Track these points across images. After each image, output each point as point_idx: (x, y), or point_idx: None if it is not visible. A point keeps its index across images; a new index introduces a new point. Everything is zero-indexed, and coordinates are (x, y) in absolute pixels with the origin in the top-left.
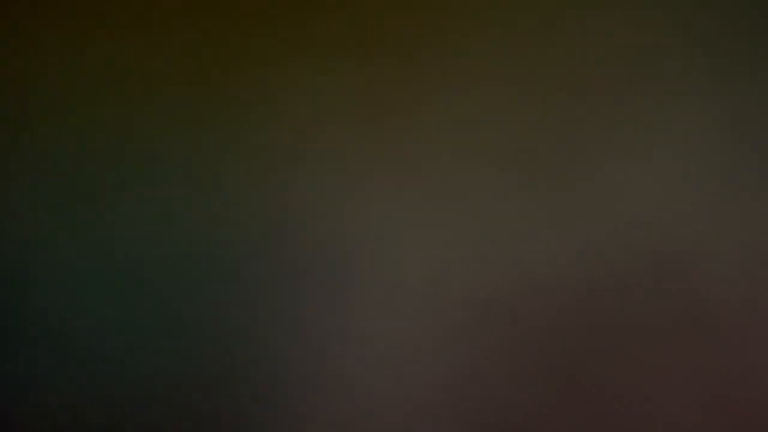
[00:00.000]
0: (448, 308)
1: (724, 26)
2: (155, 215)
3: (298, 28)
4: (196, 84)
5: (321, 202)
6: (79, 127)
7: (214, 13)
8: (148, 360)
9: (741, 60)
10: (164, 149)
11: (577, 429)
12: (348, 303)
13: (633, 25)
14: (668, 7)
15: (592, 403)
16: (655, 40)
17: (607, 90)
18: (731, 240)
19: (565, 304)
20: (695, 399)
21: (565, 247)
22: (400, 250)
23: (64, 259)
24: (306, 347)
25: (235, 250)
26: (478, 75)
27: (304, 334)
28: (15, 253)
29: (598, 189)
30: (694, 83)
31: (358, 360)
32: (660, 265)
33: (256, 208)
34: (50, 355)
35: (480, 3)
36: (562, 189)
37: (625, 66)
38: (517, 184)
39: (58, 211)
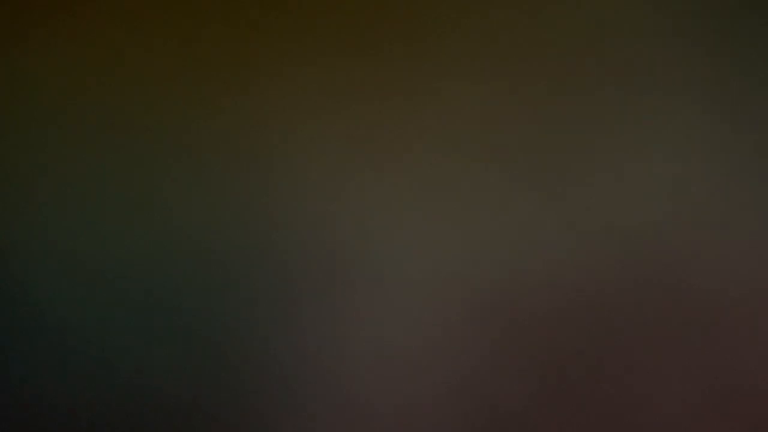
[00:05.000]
0: (447, 308)
1: (724, 25)
2: (150, 217)
3: (289, 23)
4: (187, 84)
5: (318, 202)
6: (77, 128)
7: (202, 9)
8: (144, 362)
9: (741, 59)
10: (159, 150)
11: (578, 428)
12: (346, 303)
13: (633, 24)
14: (667, 6)
15: (593, 402)
16: (656, 39)
17: (607, 89)
18: (732, 240)
19: (566, 304)
20: (695, 398)
21: (565, 246)
22: (397, 251)
23: (62, 260)
24: (303, 348)
25: (232, 251)
26: (475, 72)
27: (300, 334)
28: (15, 253)
29: (598, 188)
30: (695, 83)
31: (355, 360)
32: (660, 264)
33: (252, 209)
34: (48, 356)
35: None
36: (562, 188)
37: (626, 65)
38: (516, 183)
39: (57, 211)
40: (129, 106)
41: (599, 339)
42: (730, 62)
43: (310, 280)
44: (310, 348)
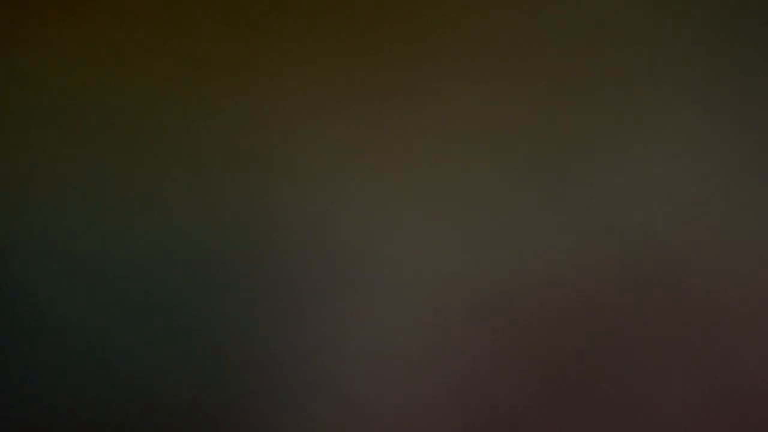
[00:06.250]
0: (447, 308)
1: (724, 25)
2: (150, 217)
3: (289, 23)
4: (187, 84)
5: (318, 202)
6: (77, 128)
7: (202, 9)
8: (144, 362)
9: (741, 59)
10: (159, 150)
11: (578, 428)
12: (346, 303)
13: (633, 24)
14: (667, 6)
15: (593, 402)
16: (656, 39)
17: (607, 89)
18: (732, 240)
19: (566, 304)
20: (695, 398)
21: (565, 246)
22: (397, 251)
23: (62, 260)
24: (303, 348)
25: (232, 251)
26: (475, 72)
27: (300, 334)
28: (15, 253)
29: (598, 188)
30: (695, 83)
31: (355, 360)
32: (660, 264)
33: (252, 209)
34: (48, 356)
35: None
36: (562, 188)
37: (626, 65)
38: (516, 183)
39: (57, 211)
40: (129, 106)
41: (599, 339)
42: (730, 62)
43: (310, 280)
44: (310, 348)
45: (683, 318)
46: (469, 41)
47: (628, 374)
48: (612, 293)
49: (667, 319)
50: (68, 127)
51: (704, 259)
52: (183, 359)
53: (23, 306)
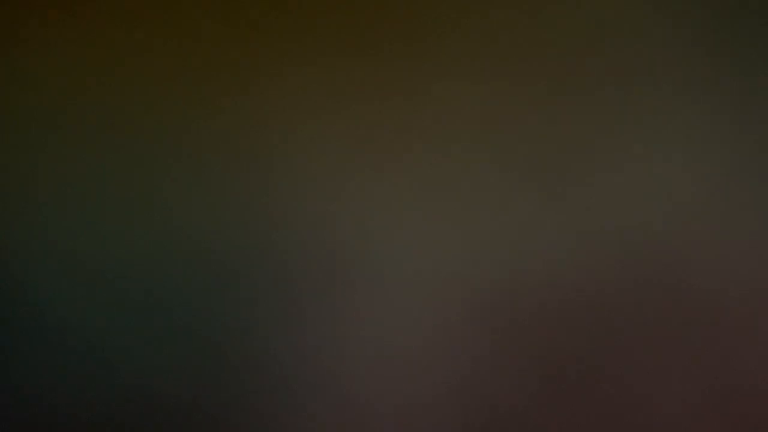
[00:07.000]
0: (447, 308)
1: (724, 25)
2: (150, 217)
3: (289, 23)
4: (187, 84)
5: (318, 202)
6: (77, 128)
7: (202, 9)
8: (144, 362)
9: (741, 59)
10: (159, 150)
11: (578, 428)
12: (346, 303)
13: (633, 24)
14: (667, 6)
15: (593, 402)
16: (656, 39)
17: (607, 89)
18: (732, 240)
19: (566, 304)
20: (695, 398)
21: (565, 246)
22: (397, 251)
23: (62, 260)
24: (303, 348)
25: (232, 251)
26: (475, 72)
27: (300, 334)
28: (15, 253)
29: (598, 188)
30: (695, 83)
31: (355, 360)
32: (660, 264)
33: (252, 209)
34: (48, 356)
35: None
36: (562, 188)
37: (626, 65)
38: (516, 183)
39: (57, 211)
40: (129, 106)
41: (599, 339)
42: (730, 62)
43: (310, 280)
44: (310, 348)
45: (683, 318)
46: (469, 41)
47: (628, 374)
48: (612, 293)
49: (667, 319)
50: (68, 127)
51: (704, 259)
52: (183, 359)
53: (23, 306)
